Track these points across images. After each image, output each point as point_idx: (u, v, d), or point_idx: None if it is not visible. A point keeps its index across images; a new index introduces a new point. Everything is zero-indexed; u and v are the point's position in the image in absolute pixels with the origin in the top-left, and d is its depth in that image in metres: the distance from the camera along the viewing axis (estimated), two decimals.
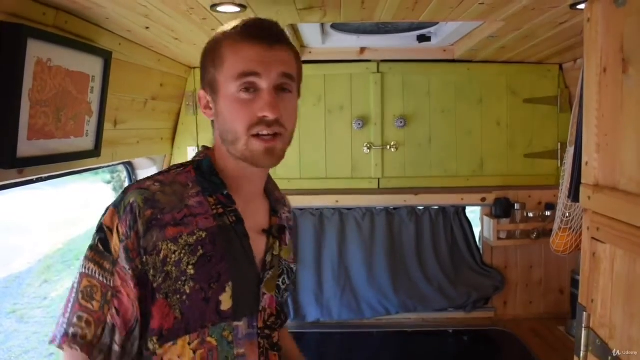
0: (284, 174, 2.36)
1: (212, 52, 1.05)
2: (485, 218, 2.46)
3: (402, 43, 2.32)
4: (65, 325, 0.97)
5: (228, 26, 1.05)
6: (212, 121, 1.11)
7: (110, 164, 1.93)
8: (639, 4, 0.89)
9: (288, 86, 1.04)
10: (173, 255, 0.98)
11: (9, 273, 9.22)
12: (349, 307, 2.46)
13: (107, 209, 1.00)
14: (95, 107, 1.50)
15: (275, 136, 1.02)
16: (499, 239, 2.39)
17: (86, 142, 1.49)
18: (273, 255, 1.13)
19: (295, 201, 2.39)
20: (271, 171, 1.19)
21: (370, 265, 2.47)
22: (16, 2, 1.12)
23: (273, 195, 1.21)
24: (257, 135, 1.01)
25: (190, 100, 2.41)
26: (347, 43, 2.32)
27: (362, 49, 2.38)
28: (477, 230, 2.56)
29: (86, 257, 0.99)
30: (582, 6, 1.35)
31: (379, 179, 2.48)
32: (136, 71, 1.85)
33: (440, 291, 2.46)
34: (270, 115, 1.00)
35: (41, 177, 1.40)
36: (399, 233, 2.50)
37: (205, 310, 1.00)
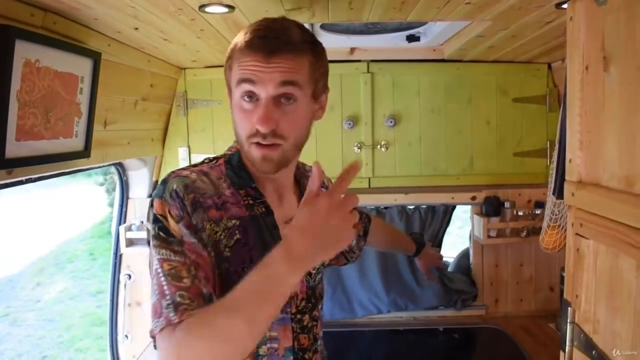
0: None
1: (229, 54, 1.07)
2: (476, 216, 2.47)
3: (391, 43, 2.33)
4: (171, 307, 0.94)
5: (246, 28, 1.06)
6: None
7: (101, 164, 1.92)
8: (619, 2, 0.90)
9: (290, 95, 1.02)
10: (215, 235, 1.04)
11: (2, 276, 9.17)
12: (340, 306, 2.48)
13: (152, 201, 1.04)
14: (84, 108, 1.50)
15: (273, 146, 1.03)
16: (489, 237, 2.40)
17: (75, 143, 1.49)
18: None
19: None
20: None
21: (361, 265, 2.48)
22: (4, 3, 1.13)
23: (302, 185, 1.24)
24: (256, 143, 1.03)
25: (180, 101, 2.41)
26: (336, 43, 2.32)
27: (352, 49, 2.39)
28: (467, 229, 2.58)
29: (155, 246, 1.00)
30: (566, 5, 1.36)
31: (369, 179, 2.48)
32: (126, 72, 1.85)
33: (431, 289, 2.48)
34: (261, 129, 1.01)
35: (31, 178, 1.40)
36: None
37: None
